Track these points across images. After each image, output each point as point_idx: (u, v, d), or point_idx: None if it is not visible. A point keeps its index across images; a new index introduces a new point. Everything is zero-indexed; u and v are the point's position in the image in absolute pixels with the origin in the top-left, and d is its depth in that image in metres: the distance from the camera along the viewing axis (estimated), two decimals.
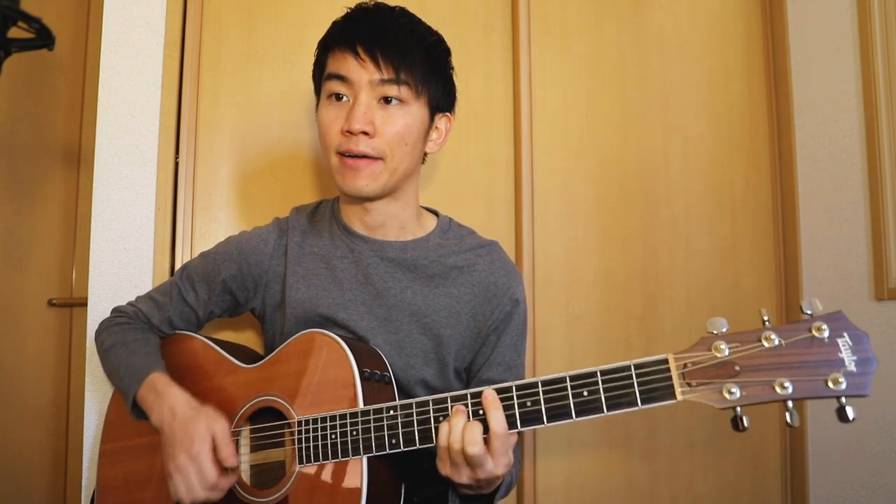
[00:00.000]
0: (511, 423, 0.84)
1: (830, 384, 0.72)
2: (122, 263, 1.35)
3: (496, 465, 0.84)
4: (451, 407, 0.87)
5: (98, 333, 1.16)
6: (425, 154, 1.14)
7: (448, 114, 1.14)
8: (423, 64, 1.05)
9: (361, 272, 1.11)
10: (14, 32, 0.98)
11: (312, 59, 1.10)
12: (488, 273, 1.12)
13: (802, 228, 1.76)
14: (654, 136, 1.71)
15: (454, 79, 1.14)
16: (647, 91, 1.71)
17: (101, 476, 1.09)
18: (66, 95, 1.70)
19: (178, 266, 1.35)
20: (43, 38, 1.02)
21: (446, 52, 1.12)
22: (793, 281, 1.75)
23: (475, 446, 0.82)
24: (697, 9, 1.78)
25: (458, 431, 0.84)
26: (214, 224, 1.43)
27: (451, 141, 1.54)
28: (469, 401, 0.86)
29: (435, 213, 1.20)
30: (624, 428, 1.63)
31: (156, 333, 1.15)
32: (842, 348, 0.73)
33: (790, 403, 0.73)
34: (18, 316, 1.62)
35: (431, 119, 1.09)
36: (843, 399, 0.72)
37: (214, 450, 0.94)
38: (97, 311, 1.31)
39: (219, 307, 1.16)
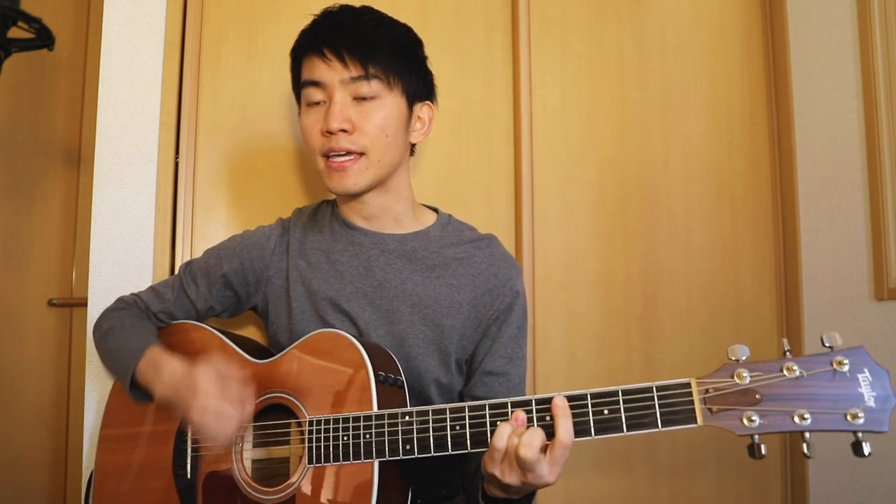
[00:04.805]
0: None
1: (849, 418, 0.73)
2: (122, 263, 1.35)
3: (551, 472, 0.83)
4: (469, 416, 0.87)
5: (97, 321, 1.18)
6: (413, 145, 1.15)
7: (429, 102, 1.14)
8: (391, 56, 1.06)
9: (362, 264, 1.12)
10: (14, 32, 0.98)
11: None
12: (488, 264, 1.13)
13: (802, 228, 1.75)
14: (654, 136, 1.71)
15: (429, 67, 1.14)
16: (647, 91, 1.71)
17: (100, 461, 1.09)
18: (66, 95, 1.70)
19: (178, 266, 1.36)
20: (43, 38, 1.02)
21: (416, 42, 1.13)
22: (793, 280, 1.75)
23: (531, 450, 0.81)
24: (697, 9, 1.78)
25: (519, 434, 0.83)
26: (214, 224, 1.43)
27: (450, 140, 1.56)
28: (533, 407, 0.85)
29: (435, 210, 1.21)
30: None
31: (153, 321, 1.16)
32: (862, 383, 0.74)
33: (807, 435, 0.74)
34: (18, 316, 1.62)
35: (411, 109, 1.10)
36: (860, 434, 0.73)
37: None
38: (97, 311, 1.30)
39: (219, 303, 1.18)
